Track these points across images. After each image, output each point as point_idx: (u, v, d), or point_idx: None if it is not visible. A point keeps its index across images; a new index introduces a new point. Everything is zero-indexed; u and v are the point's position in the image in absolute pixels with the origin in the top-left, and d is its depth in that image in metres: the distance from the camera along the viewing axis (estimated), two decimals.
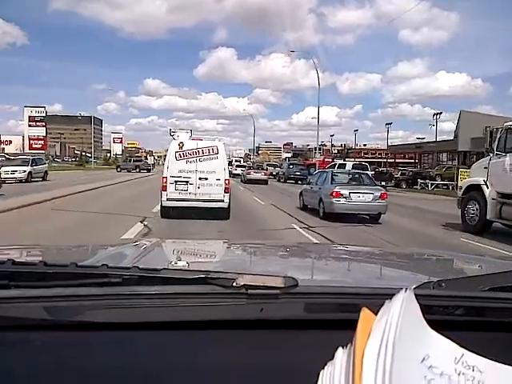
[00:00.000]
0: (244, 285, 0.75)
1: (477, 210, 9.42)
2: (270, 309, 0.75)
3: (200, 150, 9.43)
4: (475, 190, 9.51)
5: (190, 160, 9.36)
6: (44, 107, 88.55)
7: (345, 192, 10.63)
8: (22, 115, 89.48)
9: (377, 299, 0.62)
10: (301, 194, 13.75)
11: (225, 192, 9.38)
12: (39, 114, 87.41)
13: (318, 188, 11.75)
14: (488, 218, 9.06)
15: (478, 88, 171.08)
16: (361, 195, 10.69)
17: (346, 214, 10.58)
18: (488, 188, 9.05)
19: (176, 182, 9.36)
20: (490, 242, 8.37)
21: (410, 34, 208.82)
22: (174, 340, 0.74)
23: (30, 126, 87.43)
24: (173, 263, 1.40)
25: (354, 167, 22.64)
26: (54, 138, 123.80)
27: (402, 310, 0.48)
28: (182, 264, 1.37)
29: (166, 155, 10.32)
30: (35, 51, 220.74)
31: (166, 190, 9.35)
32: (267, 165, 42.07)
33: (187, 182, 9.35)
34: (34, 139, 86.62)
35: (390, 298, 0.50)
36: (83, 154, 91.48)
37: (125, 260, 1.35)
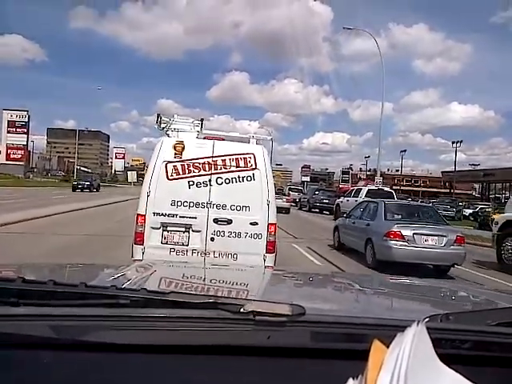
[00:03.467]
0: (252, 311, 0.84)
1: None
2: (277, 336, 0.83)
3: (219, 162, 5.09)
4: None
5: (196, 181, 5.06)
6: (27, 111, 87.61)
7: (407, 232, 8.56)
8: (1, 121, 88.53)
9: (385, 330, 0.76)
10: (336, 229, 11.74)
11: (267, 251, 5.03)
12: (20, 119, 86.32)
13: (365, 224, 9.70)
14: None
15: (490, 120, 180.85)
16: (429, 238, 8.59)
17: (406, 263, 8.47)
18: None
19: (164, 226, 5.03)
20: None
21: (423, 65, 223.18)
22: (180, 364, 0.81)
23: (8, 132, 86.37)
24: (181, 286, 1.56)
25: (369, 193, 19.31)
26: (58, 151, 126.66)
27: (414, 343, 0.53)
28: (189, 287, 1.56)
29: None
30: (52, 68, 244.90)
31: (141, 244, 4.96)
32: (289, 189, 38.96)
33: (189, 227, 5.05)
34: (12, 148, 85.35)
35: (402, 330, 0.56)
36: (79, 168, 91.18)
37: (133, 281, 1.46)
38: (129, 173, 62.11)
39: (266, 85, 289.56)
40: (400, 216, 9.47)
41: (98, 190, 43.21)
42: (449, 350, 0.79)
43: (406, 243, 8.54)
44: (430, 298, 1.71)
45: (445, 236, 8.69)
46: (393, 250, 8.55)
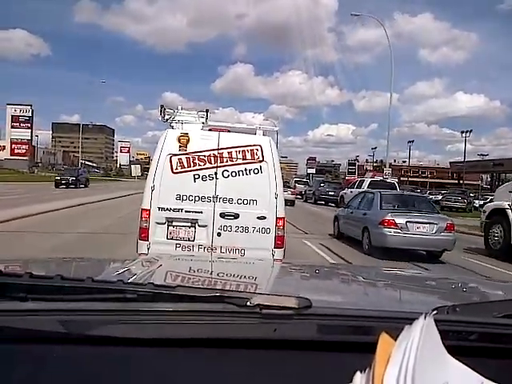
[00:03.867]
0: (258, 304, 0.86)
1: (501, 234, 10.65)
2: (284, 329, 0.85)
3: (225, 154, 5.11)
4: (500, 214, 10.78)
5: (202, 174, 5.08)
6: (30, 105, 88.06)
7: (400, 221, 9.37)
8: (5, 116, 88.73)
9: (393, 323, 0.79)
10: (336, 218, 12.58)
11: (276, 246, 5.08)
12: (24, 114, 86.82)
13: (362, 213, 10.52)
14: None
15: (496, 109, 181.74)
16: (421, 226, 9.40)
17: (400, 249, 9.29)
18: None
19: (170, 221, 5.07)
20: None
21: (428, 55, 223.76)
22: (187, 357, 0.83)
23: (12, 127, 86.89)
24: (187, 280, 1.61)
25: (372, 185, 20.06)
26: (63, 146, 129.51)
27: (422, 336, 0.54)
28: (196, 281, 1.60)
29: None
30: (57, 63, 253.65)
31: (146, 240, 5.00)
32: (295, 181, 39.86)
33: (195, 222, 5.09)
34: (16, 143, 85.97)
35: (409, 323, 0.57)
36: (84, 162, 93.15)
37: (140, 275, 1.51)
38: (132, 166, 59.28)
39: (270, 77, 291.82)
40: (395, 205, 10.26)
41: (86, 186, 37.17)
42: (456, 342, 0.81)
43: (399, 230, 9.34)
44: (436, 290, 1.74)
45: (436, 224, 9.48)
46: (387, 237, 9.36)
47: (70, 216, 14.53)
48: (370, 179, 23.45)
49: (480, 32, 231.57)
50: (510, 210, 10.48)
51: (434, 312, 0.77)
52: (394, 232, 9.34)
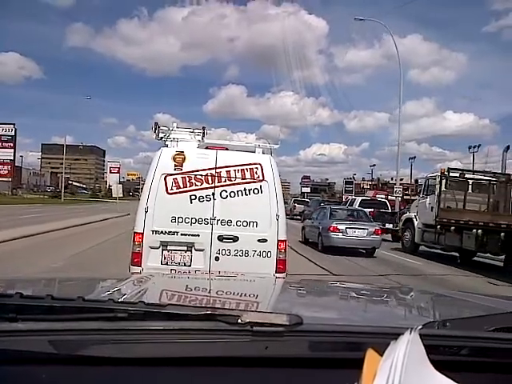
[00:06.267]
0: (249, 322, 0.94)
1: (410, 236, 16.45)
2: (275, 346, 0.94)
3: (223, 173, 5.20)
4: (410, 221, 16.66)
5: (198, 195, 5.16)
6: (13, 124, 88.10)
7: (342, 227, 14.53)
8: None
9: (382, 338, 0.86)
10: (303, 228, 17.88)
11: (278, 271, 5.19)
12: (6, 133, 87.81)
13: (318, 223, 15.72)
14: (416, 241, 15.99)
15: (485, 128, 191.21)
16: (356, 230, 14.56)
17: (342, 247, 14.37)
18: (416, 220, 16.10)
19: (164, 245, 5.15)
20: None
21: (418, 75, 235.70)
22: (179, 376, 0.92)
23: None
24: (179, 298, 1.74)
25: (363, 203, 23.89)
26: (52, 167, 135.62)
27: (408, 351, 0.61)
28: (187, 299, 1.73)
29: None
30: (49, 85, 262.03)
31: (139, 265, 5.08)
32: (294, 201, 42.19)
33: (191, 245, 5.17)
34: None
35: (396, 338, 0.67)
36: (71, 183, 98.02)
37: (130, 294, 1.62)
38: (113, 186, 48.79)
39: (262, 97, 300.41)
40: (340, 216, 15.49)
41: None
42: (447, 357, 0.89)
43: (341, 234, 14.49)
44: (425, 305, 1.90)
45: (367, 229, 14.69)
46: (333, 239, 14.55)
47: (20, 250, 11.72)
48: (360, 198, 27.58)
49: (468, 52, 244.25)
50: (414, 219, 16.20)
51: (420, 327, 0.81)
52: (338, 235, 14.47)
